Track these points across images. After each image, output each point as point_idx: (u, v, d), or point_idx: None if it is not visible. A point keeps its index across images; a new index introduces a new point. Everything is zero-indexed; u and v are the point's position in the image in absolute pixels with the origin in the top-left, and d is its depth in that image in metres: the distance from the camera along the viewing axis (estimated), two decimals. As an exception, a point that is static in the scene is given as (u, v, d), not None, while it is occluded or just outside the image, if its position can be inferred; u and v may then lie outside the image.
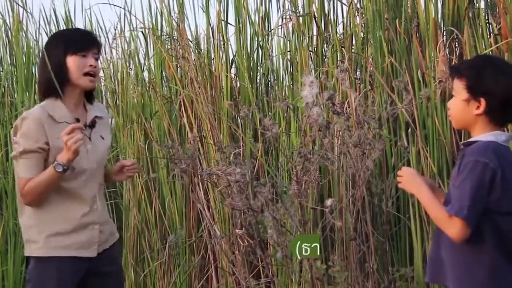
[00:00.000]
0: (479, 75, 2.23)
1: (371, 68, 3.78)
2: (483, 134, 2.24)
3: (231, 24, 4.40)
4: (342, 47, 3.99)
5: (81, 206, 2.70)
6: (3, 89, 5.41)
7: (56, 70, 2.66)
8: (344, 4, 4.18)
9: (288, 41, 4.30)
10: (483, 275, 2.21)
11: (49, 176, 2.59)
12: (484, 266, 2.21)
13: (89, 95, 2.80)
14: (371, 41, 3.86)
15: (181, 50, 4.51)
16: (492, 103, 2.21)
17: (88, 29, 3.25)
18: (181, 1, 4.58)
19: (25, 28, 5.55)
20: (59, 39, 2.76)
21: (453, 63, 3.62)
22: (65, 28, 5.08)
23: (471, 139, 2.28)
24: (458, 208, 2.15)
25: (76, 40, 2.71)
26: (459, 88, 2.27)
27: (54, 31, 4.17)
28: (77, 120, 2.70)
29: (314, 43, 4.14)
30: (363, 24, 4.01)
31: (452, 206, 2.17)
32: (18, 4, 5.54)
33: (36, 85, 2.86)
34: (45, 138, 2.61)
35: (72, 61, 2.68)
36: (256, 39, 4.37)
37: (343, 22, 4.19)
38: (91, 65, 2.69)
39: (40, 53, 2.87)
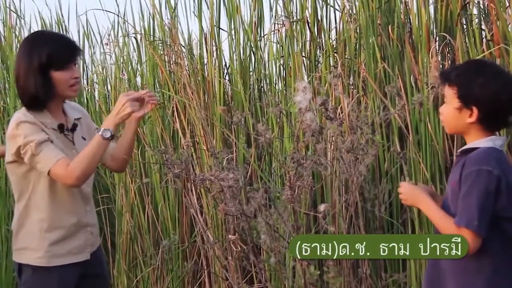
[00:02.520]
0: (469, 83, 2.20)
1: (364, 74, 3.79)
2: (480, 140, 2.22)
3: (224, 30, 4.41)
4: (335, 52, 4.00)
5: (76, 210, 2.70)
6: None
7: (41, 86, 2.61)
8: (337, 10, 4.19)
9: (281, 47, 4.30)
10: (484, 281, 2.19)
11: (97, 145, 2.56)
12: (486, 272, 2.19)
13: None
14: (364, 47, 3.86)
15: (174, 56, 4.52)
16: (484, 111, 2.19)
17: (66, 35, 3.15)
18: (173, 7, 4.58)
19: (17, 33, 5.54)
20: (40, 51, 2.63)
21: (445, 68, 3.63)
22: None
23: (468, 146, 2.25)
24: (467, 219, 2.13)
25: (60, 55, 2.63)
26: (450, 96, 2.24)
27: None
28: (61, 126, 2.70)
29: (307, 48, 4.14)
30: (356, 30, 4.02)
31: (460, 217, 2.15)
32: (11, 10, 5.54)
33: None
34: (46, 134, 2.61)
35: (57, 76, 2.63)
36: (249, 44, 4.38)
37: (336, 27, 4.20)
38: (76, 77, 2.68)
39: (16, 61, 2.74)
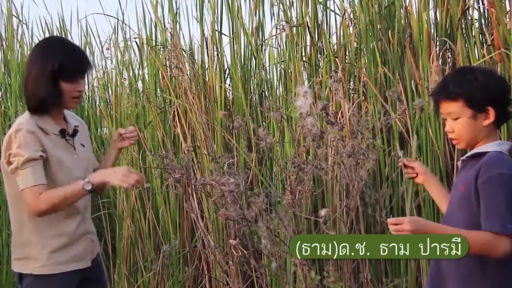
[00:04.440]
0: (474, 87, 2.18)
1: (364, 78, 3.79)
2: (487, 145, 2.22)
3: (225, 35, 4.42)
4: (335, 57, 4.00)
5: (76, 218, 2.71)
6: (-4, 99, 5.41)
7: (50, 92, 2.63)
8: (338, 15, 4.20)
9: (281, 51, 4.31)
10: (488, 286, 2.18)
11: (74, 192, 2.57)
12: (489, 279, 2.18)
13: None
14: (364, 51, 3.87)
15: (175, 60, 4.52)
16: (499, 106, 2.19)
17: (82, 48, 3.16)
18: (175, 12, 4.59)
19: (19, 37, 5.55)
20: (54, 57, 2.64)
21: (446, 73, 3.63)
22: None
23: (477, 151, 2.23)
24: (502, 225, 2.09)
25: (70, 67, 2.65)
26: (458, 109, 2.21)
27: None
28: (63, 131, 2.71)
29: (308, 53, 4.15)
30: (356, 35, 4.02)
31: (492, 224, 2.11)
32: (12, 14, 5.55)
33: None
34: (42, 148, 2.60)
35: (63, 87, 2.64)
36: (249, 49, 4.38)
37: (336, 32, 4.20)
38: (79, 90, 2.69)
39: (29, 64, 2.75)
